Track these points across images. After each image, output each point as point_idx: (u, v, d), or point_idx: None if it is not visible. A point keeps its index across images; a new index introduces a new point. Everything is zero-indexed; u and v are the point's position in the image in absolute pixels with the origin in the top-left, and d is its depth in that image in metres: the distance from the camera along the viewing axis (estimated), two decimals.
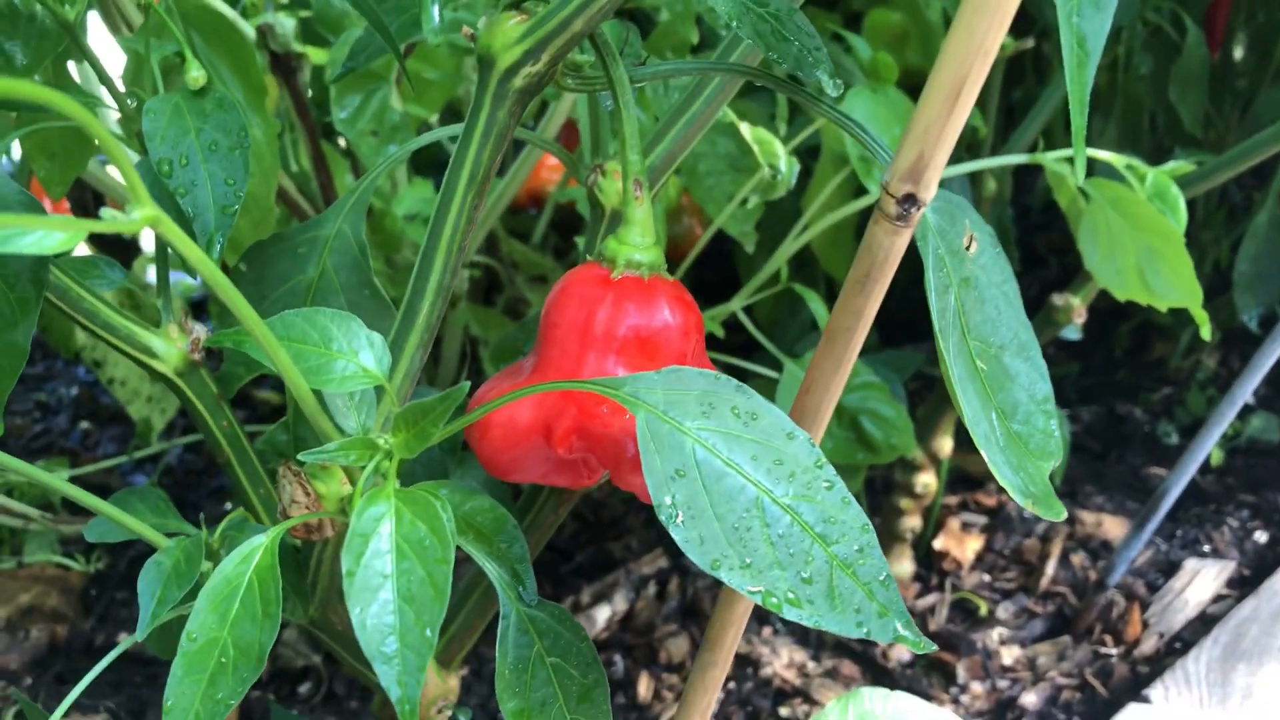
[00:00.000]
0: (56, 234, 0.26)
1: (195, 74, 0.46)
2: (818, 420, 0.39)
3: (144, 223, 0.27)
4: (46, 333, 1.27)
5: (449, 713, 0.63)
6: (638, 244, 0.39)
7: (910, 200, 0.32)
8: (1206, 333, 0.76)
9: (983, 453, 0.38)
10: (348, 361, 0.34)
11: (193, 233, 0.45)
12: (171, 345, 0.48)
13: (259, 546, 0.35)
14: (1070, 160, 0.82)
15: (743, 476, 0.33)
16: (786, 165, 0.67)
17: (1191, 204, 1.29)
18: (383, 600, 0.32)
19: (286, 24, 0.85)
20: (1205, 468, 1.25)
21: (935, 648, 0.40)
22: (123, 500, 0.52)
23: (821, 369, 0.37)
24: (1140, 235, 0.74)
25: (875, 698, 0.60)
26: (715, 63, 0.44)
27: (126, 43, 0.51)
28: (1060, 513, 0.41)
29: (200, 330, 0.48)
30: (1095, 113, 1.14)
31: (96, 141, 0.58)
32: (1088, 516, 1.15)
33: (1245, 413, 1.32)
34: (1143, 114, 1.12)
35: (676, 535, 0.33)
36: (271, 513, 0.52)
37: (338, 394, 0.36)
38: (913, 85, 0.95)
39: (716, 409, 0.33)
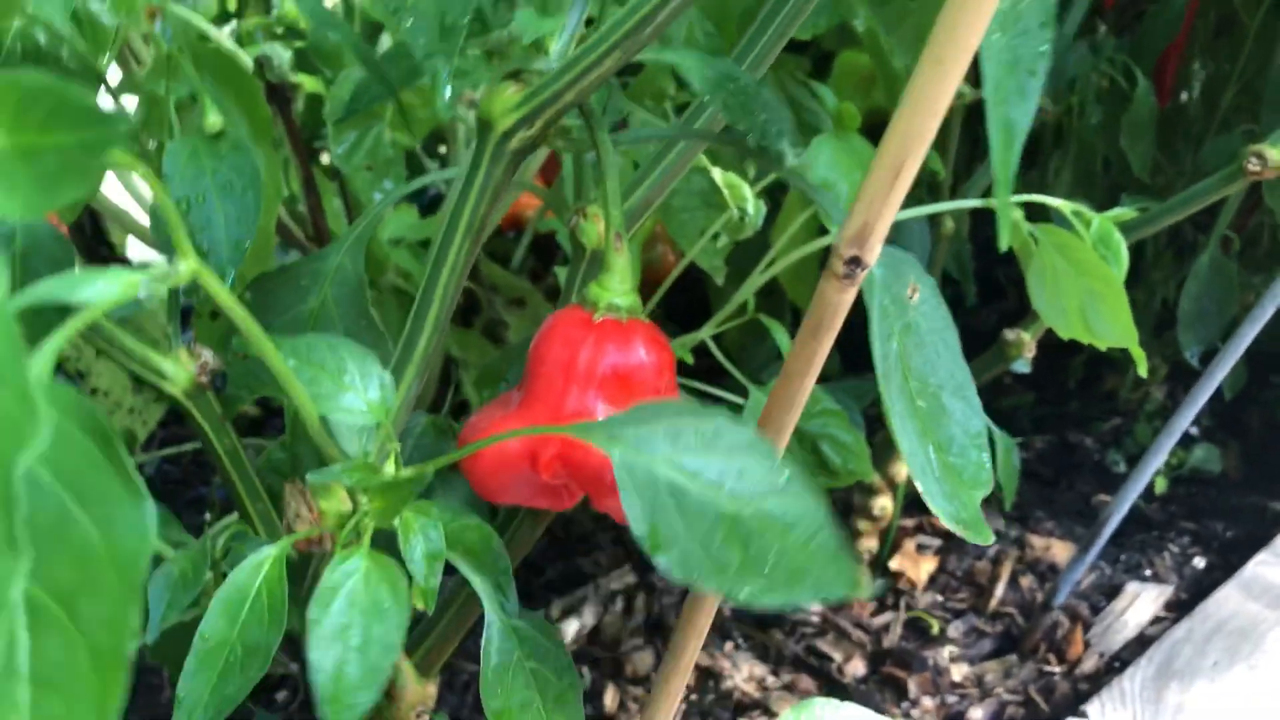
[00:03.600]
0: (115, 287, 0.30)
1: (213, 119, 0.50)
2: (782, 434, 0.43)
3: (189, 275, 0.31)
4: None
5: (427, 717, 0.67)
6: (617, 290, 0.43)
7: (856, 262, 0.37)
8: (1143, 370, 0.81)
9: (918, 483, 0.42)
10: (358, 396, 0.38)
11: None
12: (181, 369, 0.51)
13: (268, 558, 0.39)
14: (1021, 204, 0.87)
15: (712, 491, 0.37)
16: (754, 208, 0.72)
17: (1142, 244, 1.35)
18: (339, 648, 0.35)
19: (283, 55, 0.89)
20: (1150, 495, 1.30)
21: (879, 592, 0.44)
22: None
23: (777, 404, 0.42)
24: (1083, 279, 0.79)
25: (827, 707, 0.64)
26: (687, 130, 0.48)
27: (146, 84, 0.55)
28: (988, 537, 0.46)
29: (208, 355, 0.52)
30: (1051, 156, 1.20)
31: (150, 190, 0.62)
32: (1037, 540, 1.20)
33: (1189, 443, 1.38)
34: (1096, 159, 1.18)
35: (658, 563, 0.37)
36: (268, 525, 0.55)
37: (339, 413, 0.40)
38: (879, 124, 1.01)
39: (682, 435, 0.38)
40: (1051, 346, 1.50)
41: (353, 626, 0.33)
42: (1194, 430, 1.43)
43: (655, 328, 0.44)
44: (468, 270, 0.44)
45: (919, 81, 0.34)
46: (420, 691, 0.65)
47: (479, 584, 0.41)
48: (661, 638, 1.02)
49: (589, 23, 0.50)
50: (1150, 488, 1.31)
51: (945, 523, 0.44)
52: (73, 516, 0.24)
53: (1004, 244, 0.38)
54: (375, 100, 0.55)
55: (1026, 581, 1.13)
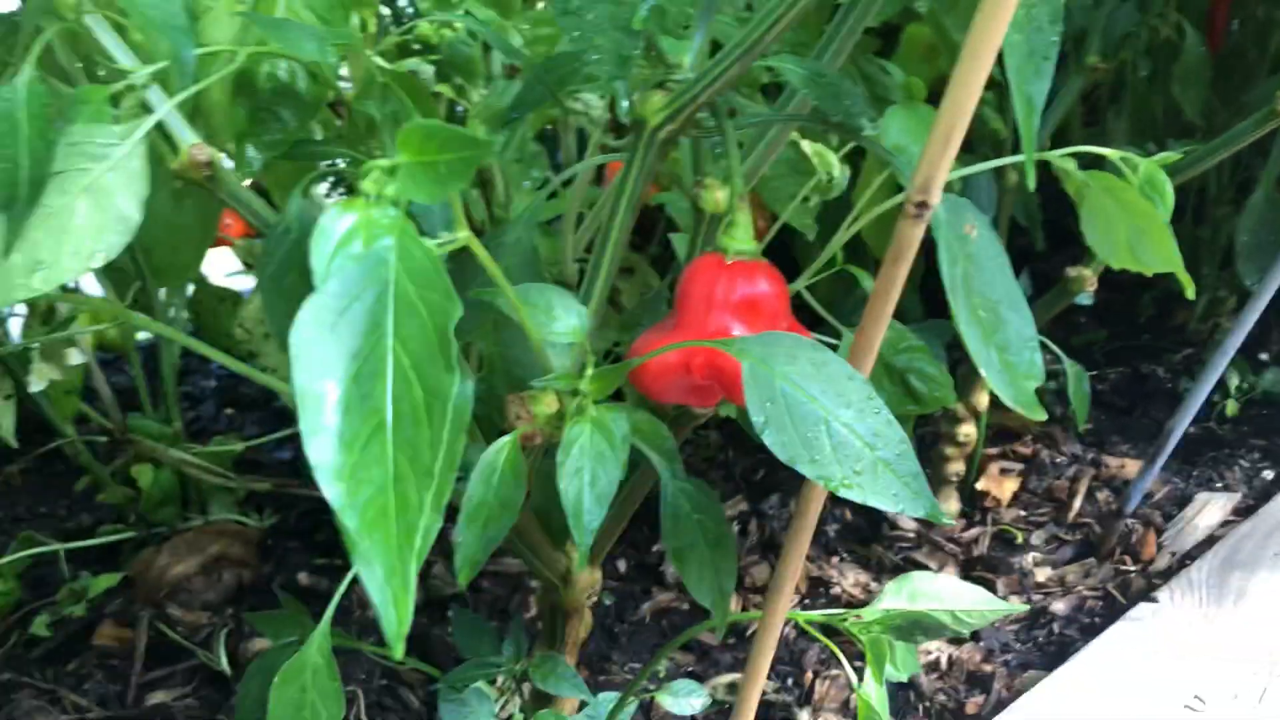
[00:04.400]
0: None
1: None
2: (866, 365, 0.57)
3: (464, 241, 0.46)
4: (202, 328, 1.46)
5: (595, 598, 0.82)
6: (742, 239, 0.57)
7: (923, 205, 0.51)
8: (1190, 293, 0.92)
9: (984, 374, 0.56)
10: (564, 324, 0.53)
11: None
12: None
13: (506, 442, 0.54)
14: (1073, 155, 0.99)
15: (813, 403, 0.51)
16: (839, 172, 0.85)
17: (1205, 185, 1.44)
18: (578, 478, 0.50)
19: (427, 70, 1.05)
20: (1222, 418, 1.40)
21: (952, 522, 0.58)
22: None
23: (869, 320, 0.55)
24: (1129, 217, 0.90)
25: (924, 579, 0.78)
26: (786, 114, 0.62)
27: (359, 105, 0.71)
28: (1041, 414, 0.59)
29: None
30: (1109, 108, 1.30)
31: None
32: (1112, 461, 1.31)
33: (1259, 368, 1.48)
34: (1153, 108, 1.28)
35: (766, 440, 0.51)
36: (473, 435, 0.71)
37: (551, 343, 0.55)
38: (944, 89, 1.13)
39: (797, 359, 0.52)
40: (1121, 285, 1.61)
41: (584, 468, 0.48)
42: (1264, 356, 1.52)
43: (773, 266, 0.58)
44: (627, 236, 0.59)
45: (960, 72, 0.47)
46: (590, 577, 0.81)
47: (655, 459, 0.56)
48: (774, 553, 1.17)
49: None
50: (1222, 410, 1.41)
51: (1007, 403, 0.58)
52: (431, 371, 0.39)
53: (1030, 185, 0.51)
54: (538, 103, 0.70)
55: (1103, 496, 1.25)
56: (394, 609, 0.33)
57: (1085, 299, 1.12)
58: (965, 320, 0.57)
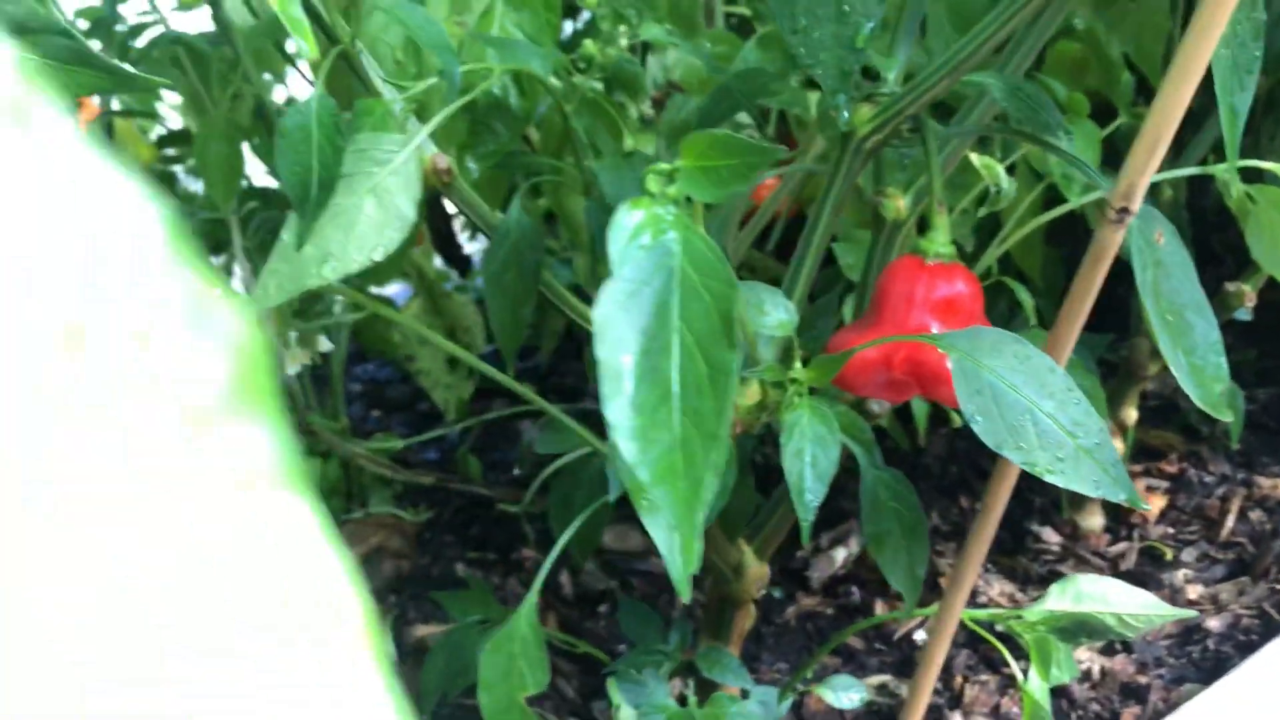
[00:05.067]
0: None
1: (628, 143, 0.70)
2: (1061, 360, 0.60)
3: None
4: (361, 335, 1.55)
5: (764, 591, 0.86)
6: (940, 242, 0.61)
7: (1124, 211, 0.53)
8: None
9: (1175, 373, 0.58)
10: (773, 318, 0.57)
11: None
12: None
13: None
14: (1238, 169, 1.00)
15: (1018, 394, 0.54)
16: (1007, 183, 0.88)
17: None
18: (800, 460, 0.54)
19: (597, 86, 1.11)
20: None
21: (1150, 508, 0.60)
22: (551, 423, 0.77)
23: (1065, 320, 0.58)
24: None
25: (1089, 581, 0.80)
26: (984, 126, 0.65)
27: (574, 121, 0.76)
28: (1227, 415, 0.61)
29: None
30: (1264, 121, 1.29)
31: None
32: (1264, 481, 1.30)
33: None
34: None
35: (975, 428, 0.55)
36: None
37: (762, 334, 0.59)
38: (1096, 104, 1.15)
39: (1002, 353, 0.55)
40: (1273, 303, 1.58)
41: (805, 449, 0.52)
42: None
43: (969, 270, 0.61)
44: (829, 237, 0.63)
45: (1167, 88, 0.50)
46: (760, 571, 0.84)
47: (855, 448, 0.59)
48: None
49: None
50: None
51: (1196, 402, 0.60)
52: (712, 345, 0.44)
53: (1235, 192, 0.54)
54: (727, 116, 0.75)
55: (1256, 515, 1.24)
56: (680, 554, 0.38)
57: (1244, 314, 1.11)
58: (1157, 324, 0.59)
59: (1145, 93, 1.17)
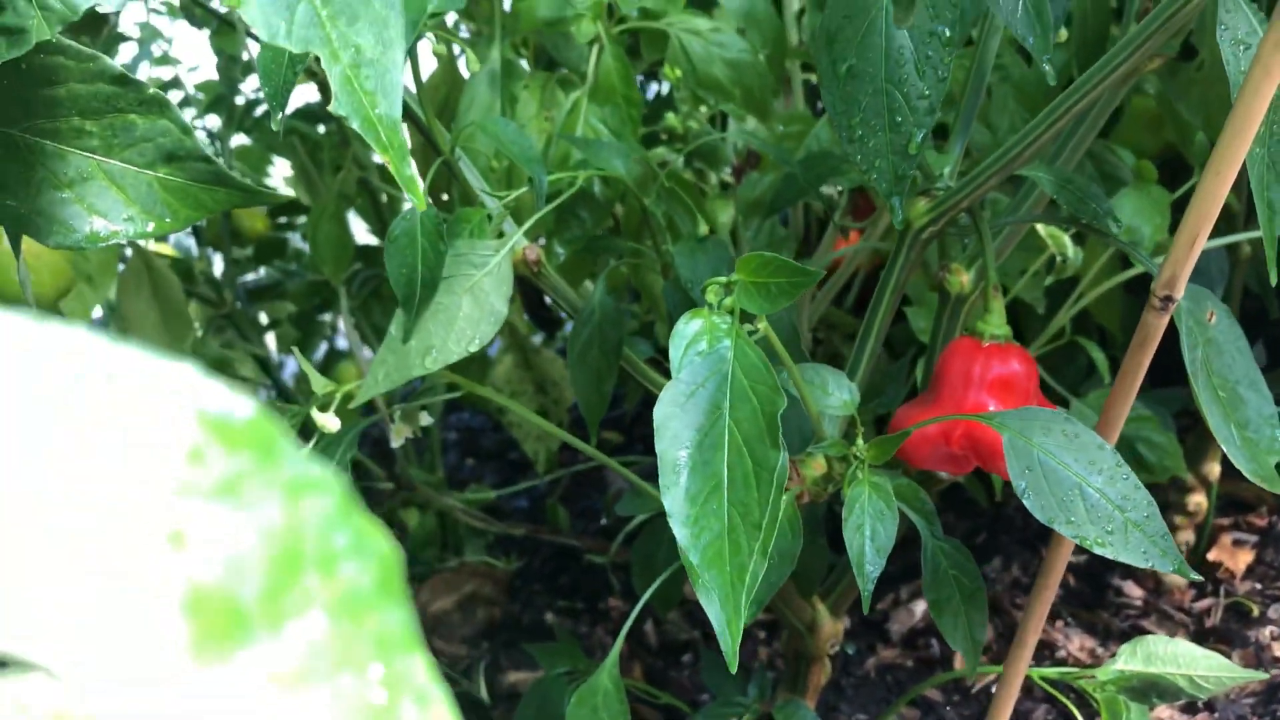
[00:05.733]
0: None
1: (703, 228, 0.76)
2: (1112, 437, 0.63)
3: (763, 331, 0.56)
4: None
5: (838, 648, 0.89)
6: (996, 324, 0.65)
7: (1168, 299, 0.57)
8: None
9: (1224, 449, 0.61)
10: (837, 399, 0.62)
11: None
12: None
13: (787, 498, 0.63)
14: None
15: (1068, 471, 0.57)
16: (1073, 253, 0.91)
17: None
18: (860, 533, 0.58)
19: (678, 159, 1.16)
20: None
21: (1199, 578, 0.63)
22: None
23: (1115, 401, 0.61)
24: None
25: (1159, 643, 0.82)
26: (1035, 216, 0.69)
27: (652, 207, 0.82)
28: (1279, 486, 0.63)
29: None
30: None
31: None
32: None
33: None
34: None
35: (1026, 503, 0.58)
36: None
37: (826, 412, 0.63)
38: (1171, 157, 1.16)
39: (1052, 431, 0.58)
40: None
41: (865, 524, 0.56)
42: None
43: (1024, 350, 0.64)
44: (891, 318, 0.67)
45: (1205, 184, 0.53)
46: (834, 628, 0.88)
47: (916, 519, 0.63)
48: (999, 616, 1.20)
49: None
50: None
51: (1248, 476, 0.62)
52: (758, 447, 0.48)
53: (1274, 280, 0.56)
54: (798, 198, 0.79)
55: None
56: (728, 629, 0.42)
57: None
58: (1206, 400, 0.62)
59: None
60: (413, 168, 0.37)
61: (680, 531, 0.45)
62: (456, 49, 0.98)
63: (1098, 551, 0.57)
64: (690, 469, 0.45)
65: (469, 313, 0.57)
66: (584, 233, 0.79)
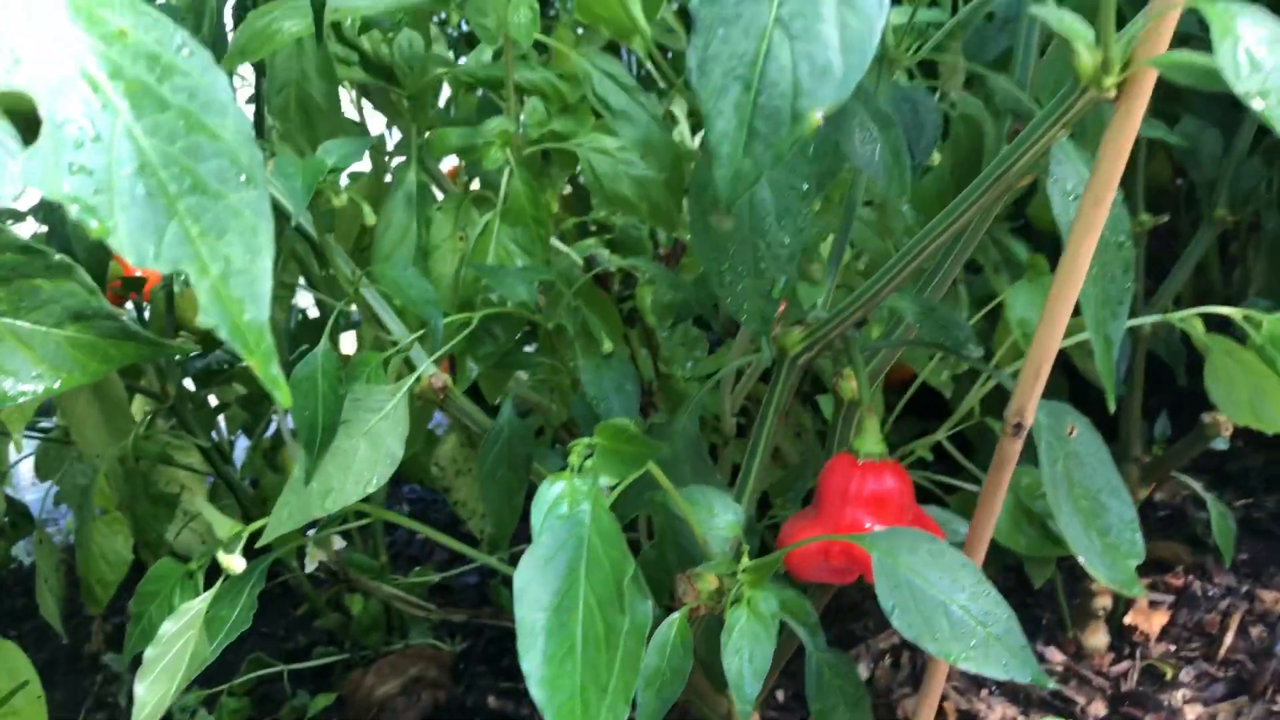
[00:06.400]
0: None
1: (608, 345, 0.80)
2: (979, 553, 0.67)
3: (644, 468, 0.59)
4: (402, 465, 1.64)
5: None
6: (871, 443, 0.69)
7: (1020, 425, 0.61)
8: None
9: (1080, 559, 0.65)
10: (722, 519, 0.65)
11: None
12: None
13: (678, 617, 0.66)
14: (1199, 316, 1.06)
15: (933, 589, 0.61)
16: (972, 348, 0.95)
17: None
18: (739, 657, 0.62)
19: (605, 253, 1.21)
20: None
21: (1051, 683, 0.67)
22: None
23: (979, 518, 0.65)
24: (1250, 377, 0.97)
25: None
26: (902, 340, 0.74)
27: (550, 322, 0.86)
28: (1138, 590, 0.67)
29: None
30: (1236, 268, 1.36)
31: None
32: (1267, 595, 1.33)
33: None
34: None
35: (894, 622, 0.62)
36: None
37: (712, 534, 0.67)
38: None
39: (918, 550, 0.62)
40: None
41: (743, 648, 0.59)
42: None
43: (898, 465, 0.68)
44: (775, 438, 0.71)
45: (1043, 327, 0.58)
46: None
47: (800, 632, 0.66)
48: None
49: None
50: None
51: (1105, 584, 0.66)
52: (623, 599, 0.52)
53: (1111, 408, 0.61)
54: (691, 315, 0.84)
55: (1256, 631, 1.27)
56: None
57: (1221, 444, 1.16)
58: (1067, 511, 0.66)
59: None
60: (277, 369, 0.41)
61: (536, 692, 0.48)
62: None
63: (961, 666, 0.61)
64: (547, 632, 0.48)
65: (366, 455, 0.60)
66: (496, 349, 0.83)
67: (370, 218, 0.71)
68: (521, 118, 0.87)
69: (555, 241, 1.09)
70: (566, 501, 0.50)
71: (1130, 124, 0.52)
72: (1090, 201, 0.55)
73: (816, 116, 0.40)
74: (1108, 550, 0.68)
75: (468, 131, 0.85)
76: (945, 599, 0.60)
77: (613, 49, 1.19)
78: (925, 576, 0.61)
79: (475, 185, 1.01)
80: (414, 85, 0.89)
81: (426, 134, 0.89)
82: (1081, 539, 0.66)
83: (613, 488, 0.52)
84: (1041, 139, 0.55)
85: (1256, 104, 0.45)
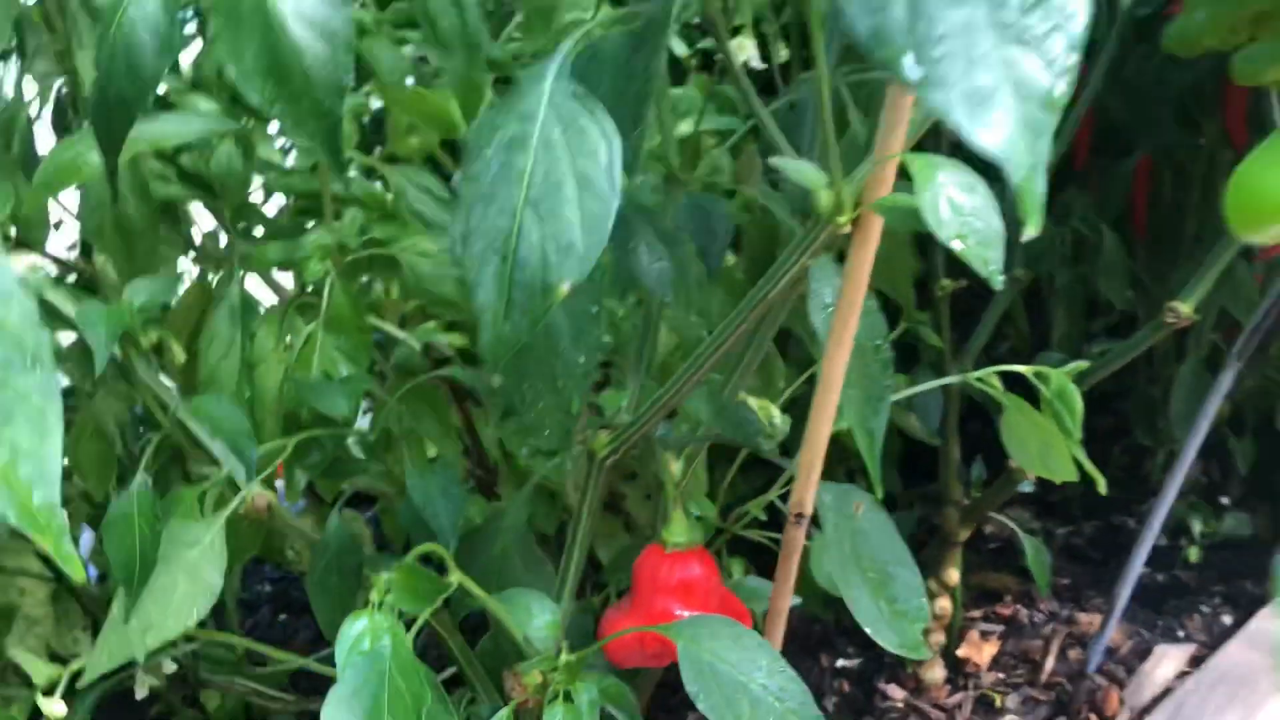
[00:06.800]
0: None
1: (433, 451, 0.83)
2: (776, 633, 0.73)
3: (456, 582, 0.63)
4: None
5: None
6: (678, 532, 0.74)
7: (801, 515, 0.67)
8: (1102, 488, 1.07)
9: (867, 628, 0.71)
10: (540, 620, 0.70)
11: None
12: None
13: (504, 712, 0.70)
14: (997, 373, 1.16)
15: (733, 671, 0.66)
16: (780, 420, 1.02)
17: (1151, 351, 1.59)
18: None
19: (443, 339, 1.24)
20: (1186, 564, 1.52)
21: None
22: None
23: (777, 596, 0.71)
24: (1038, 432, 1.06)
25: None
26: (704, 437, 0.80)
27: (380, 426, 0.89)
28: (925, 654, 0.74)
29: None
30: (1038, 323, 1.48)
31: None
32: (1084, 617, 1.43)
33: (1221, 513, 1.60)
34: (1082, 305, 1.46)
35: (700, 706, 0.66)
36: (486, 689, 0.86)
37: (531, 635, 0.71)
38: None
39: (720, 635, 0.67)
40: (1096, 436, 1.74)
41: None
42: (1225, 500, 1.65)
43: (704, 551, 0.74)
44: (591, 538, 0.76)
45: (810, 428, 0.64)
46: None
47: (620, 716, 0.71)
48: None
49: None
50: (1185, 557, 1.53)
51: (891, 650, 0.73)
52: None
53: (879, 495, 0.67)
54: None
55: (1075, 654, 1.37)
56: None
57: (1027, 487, 1.26)
58: (855, 584, 0.72)
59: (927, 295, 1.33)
60: (69, 548, 0.43)
61: None
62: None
63: None
64: None
65: (185, 590, 0.62)
66: (324, 458, 0.85)
67: (180, 355, 0.74)
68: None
69: (393, 329, 1.13)
70: (368, 638, 0.54)
71: (867, 250, 0.59)
72: (842, 315, 0.61)
73: (564, 288, 0.44)
74: (896, 617, 0.74)
75: (287, 245, 0.87)
76: (745, 679, 0.65)
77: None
78: (727, 659, 0.66)
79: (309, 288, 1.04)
80: (234, 199, 0.92)
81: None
82: (871, 610, 0.72)
83: (410, 623, 0.55)
84: (796, 264, 0.61)
85: (956, 245, 0.52)
